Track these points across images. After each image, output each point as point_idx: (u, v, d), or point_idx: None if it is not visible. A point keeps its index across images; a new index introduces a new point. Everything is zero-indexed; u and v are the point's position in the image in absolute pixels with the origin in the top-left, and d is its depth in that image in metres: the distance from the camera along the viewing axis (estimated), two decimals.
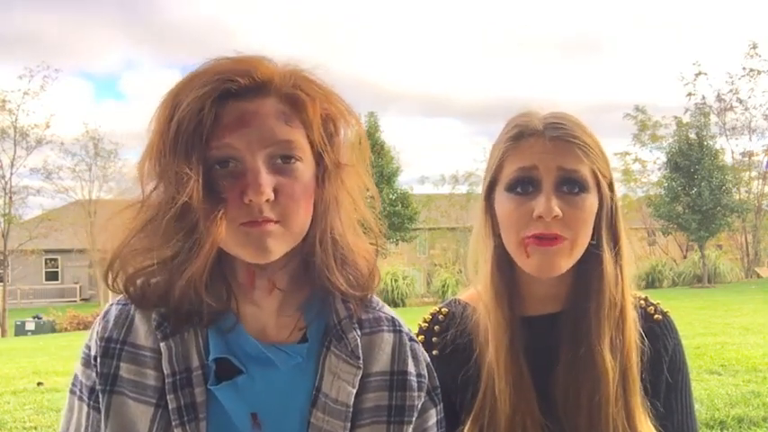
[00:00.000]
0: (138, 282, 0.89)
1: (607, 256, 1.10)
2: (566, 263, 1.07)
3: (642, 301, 1.21)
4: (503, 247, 1.11)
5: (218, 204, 0.82)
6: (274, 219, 0.83)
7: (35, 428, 4.80)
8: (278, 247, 0.85)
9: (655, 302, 1.22)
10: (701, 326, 8.72)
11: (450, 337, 1.18)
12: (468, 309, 1.19)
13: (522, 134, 1.09)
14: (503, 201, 1.10)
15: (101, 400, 0.88)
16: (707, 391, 4.80)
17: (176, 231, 0.83)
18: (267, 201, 0.82)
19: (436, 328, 1.19)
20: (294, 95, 0.87)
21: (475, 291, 1.19)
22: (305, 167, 0.87)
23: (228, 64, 0.86)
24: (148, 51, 53.61)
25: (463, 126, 60.27)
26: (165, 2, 54.52)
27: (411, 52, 55.95)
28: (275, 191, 0.83)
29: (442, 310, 1.22)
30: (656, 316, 1.19)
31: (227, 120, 0.83)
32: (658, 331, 1.18)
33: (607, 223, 1.11)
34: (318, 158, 0.90)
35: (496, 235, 1.13)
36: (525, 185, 1.06)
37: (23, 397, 5.90)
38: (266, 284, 0.91)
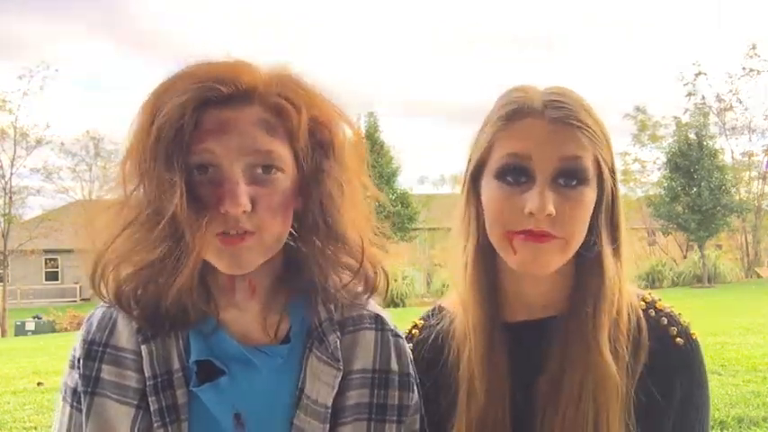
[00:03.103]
0: (127, 290, 0.88)
1: (607, 253, 0.99)
2: (556, 261, 0.95)
3: (664, 318, 1.04)
4: (487, 242, 0.99)
5: (200, 214, 0.81)
6: (250, 230, 0.82)
7: (35, 428, 4.80)
8: (253, 260, 0.85)
9: (681, 321, 1.04)
10: (701, 326, 8.67)
11: (425, 350, 1.08)
12: (446, 317, 1.10)
13: (517, 113, 0.95)
14: (490, 189, 0.97)
15: (82, 401, 0.89)
16: None
17: (161, 239, 0.82)
18: (244, 212, 0.81)
19: (410, 345, 1.07)
20: (278, 105, 0.85)
21: (456, 293, 1.08)
22: (285, 178, 0.85)
23: (212, 70, 0.83)
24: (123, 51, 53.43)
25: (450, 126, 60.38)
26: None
27: (395, 53, 56.00)
28: (253, 201, 0.82)
29: (418, 322, 1.14)
30: (677, 339, 1.02)
31: (207, 126, 0.81)
32: (676, 360, 1.01)
33: (607, 216, 0.99)
34: (305, 166, 0.87)
35: (480, 226, 1.01)
36: (517, 174, 0.94)
37: (23, 397, 5.90)
38: (247, 287, 0.91)
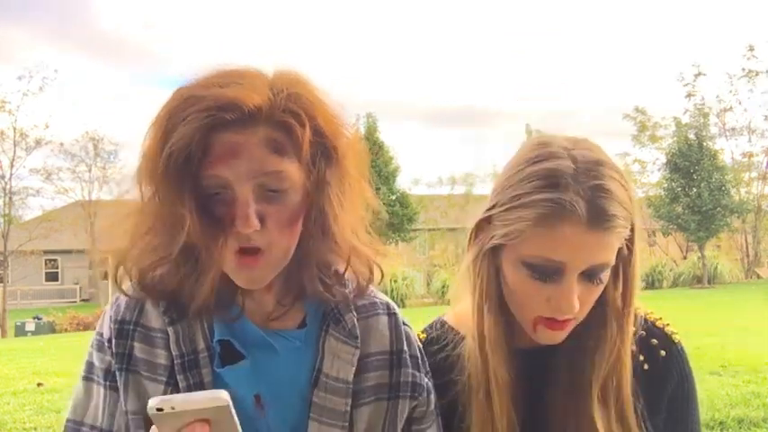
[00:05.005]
0: (152, 281, 0.92)
1: (616, 306, 1.01)
2: (568, 333, 1.01)
3: (653, 339, 1.07)
4: (503, 302, 1.03)
5: (217, 233, 0.85)
6: (262, 245, 0.86)
7: (35, 429, 4.81)
8: (266, 277, 0.90)
9: (663, 332, 1.08)
10: (701, 326, 8.71)
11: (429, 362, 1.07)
12: (449, 334, 1.11)
13: (557, 216, 0.93)
14: (517, 272, 0.99)
15: (118, 378, 0.92)
16: (707, 392, 4.80)
17: (178, 251, 0.87)
18: (255, 230, 0.85)
19: None
20: (284, 122, 0.86)
21: (462, 311, 1.10)
22: (294, 191, 0.88)
23: (219, 96, 0.83)
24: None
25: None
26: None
27: (391, 54, 56.01)
28: (262, 218, 0.85)
29: (420, 336, 1.13)
30: (661, 352, 1.07)
31: (216, 151, 0.84)
32: (663, 370, 1.06)
33: (622, 284, 1.02)
34: (311, 180, 0.89)
35: (499, 289, 1.03)
36: (548, 274, 0.96)
37: (23, 397, 5.90)
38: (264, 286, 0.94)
